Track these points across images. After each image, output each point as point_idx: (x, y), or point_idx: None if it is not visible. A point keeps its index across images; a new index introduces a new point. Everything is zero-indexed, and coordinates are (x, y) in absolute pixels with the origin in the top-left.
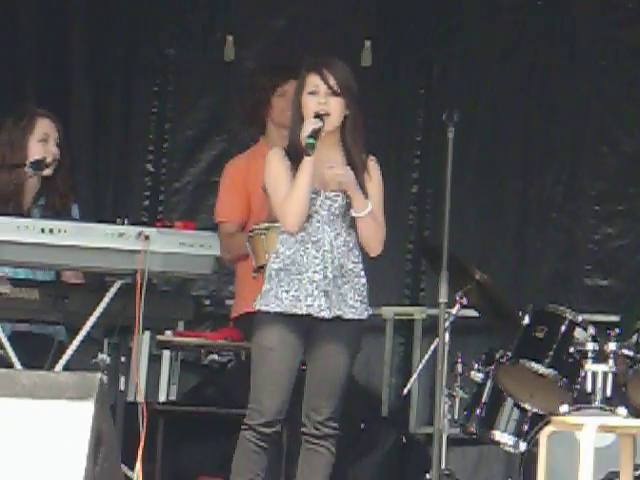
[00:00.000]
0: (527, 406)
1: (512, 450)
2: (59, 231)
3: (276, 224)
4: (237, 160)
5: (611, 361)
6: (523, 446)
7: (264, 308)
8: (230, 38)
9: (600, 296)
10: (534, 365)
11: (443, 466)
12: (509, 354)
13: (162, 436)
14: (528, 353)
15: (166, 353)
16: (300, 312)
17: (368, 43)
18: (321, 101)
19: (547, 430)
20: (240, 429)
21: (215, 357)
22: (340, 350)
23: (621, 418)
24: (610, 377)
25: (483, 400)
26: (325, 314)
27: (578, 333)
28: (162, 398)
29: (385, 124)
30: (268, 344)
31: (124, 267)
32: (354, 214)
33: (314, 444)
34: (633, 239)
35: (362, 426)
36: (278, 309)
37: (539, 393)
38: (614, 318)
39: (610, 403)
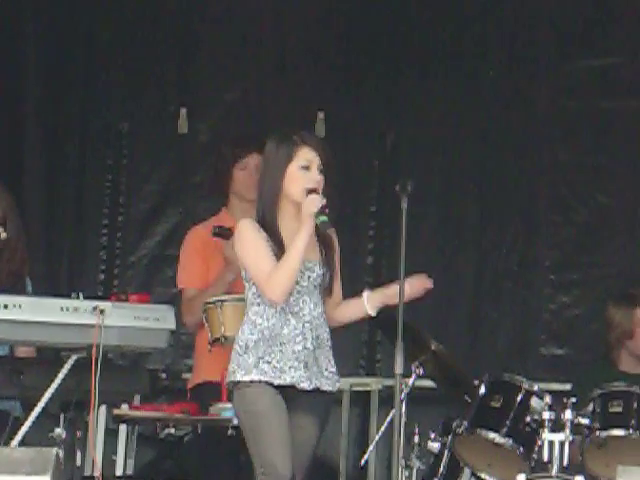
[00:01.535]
0: (485, 476)
1: None
2: (14, 306)
3: (230, 297)
4: (200, 228)
5: (568, 430)
6: None
7: (246, 378)
8: (184, 111)
9: (556, 365)
10: (491, 435)
11: None
12: (466, 424)
13: None
14: (485, 423)
15: (122, 427)
16: (284, 383)
17: (321, 114)
18: (318, 178)
19: None
20: None
21: (172, 431)
22: (314, 422)
23: None
24: (567, 446)
25: (440, 470)
26: (305, 385)
27: (534, 402)
28: (119, 472)
29: (339, 195)
30: (263, 408)
31: (79, 341)
32: (371, 312)
33: None
34: (588, 308)
35: None
36: (263, 378)
37: (497, 463)
38: (570, 387)
39: (567, 472)
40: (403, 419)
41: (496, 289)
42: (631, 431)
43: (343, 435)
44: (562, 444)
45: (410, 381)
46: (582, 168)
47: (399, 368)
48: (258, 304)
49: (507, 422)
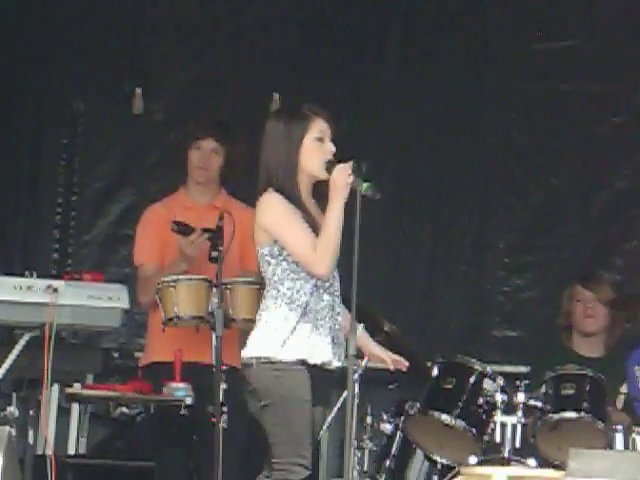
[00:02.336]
0: (437, 457)
1: None
2: None
3: (184, 277)
4: (157, 206)
5: (520, 412)
6: None
7: (284, 356)
8: (139, 91)
9: (509, 347)
10: (443, 416)
11: None
12: (418, 405)
13: None
14: (437, 404)
15: (75, 406)
16: (318, 362)
17: (276, 95)
18: (333, 149)
19: None
20: None
21: (124, 410)
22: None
23: (530, 469)
24: (519, 428)
25: (393, 452)
26: (335, 363)
27: (487, 384)
28: (71, 451)
29: None
30: (304, 396)
31: (32, 320)
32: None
33: None
34: (541, 291)
35: None
36: (300, 356)
37: (449, 444)
38: (523, 369)
39: (519, 454)
40: (356, 400)
41: (450, 271)
42: (583, 414)
43: None
44: (514, 426)
45: (363, 362)
46: (537, 151)
47: (352, 350)
48: (292, 280)
49: (459, 404)
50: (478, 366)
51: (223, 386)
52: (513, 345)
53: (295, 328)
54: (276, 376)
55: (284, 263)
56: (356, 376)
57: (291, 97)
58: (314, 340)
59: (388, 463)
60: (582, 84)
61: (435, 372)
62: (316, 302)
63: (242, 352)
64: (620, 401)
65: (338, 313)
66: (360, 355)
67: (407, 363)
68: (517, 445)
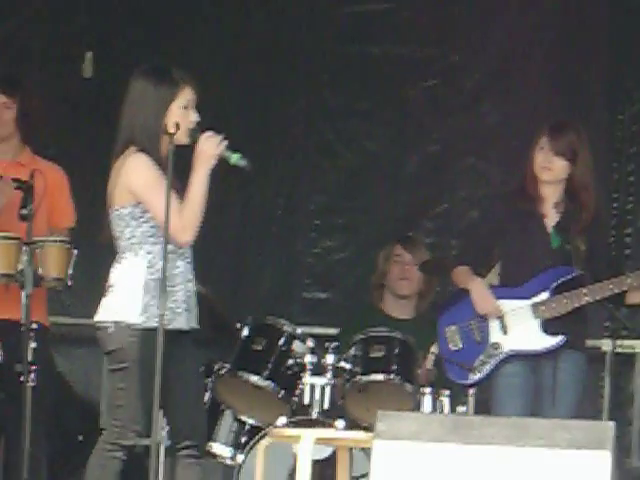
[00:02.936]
0: (246, 418)
1: (230, 462)
2: None
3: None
4: None
5: (329, 374)
6: (240, 458)
7: (140, 320)
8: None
9: (319, 309)
10: (252, 377)
11: (160, 479)
12: (227, 366)
13: None
14: (246, 365)
15: None
16: (174, 328)
17: (89, 54)
18: (197, 119)
19: (264, 442)
20: None
21: None
22: (191, 364)
23: (338, 430)
24: (328, 389)
25: None
26: (186, 327)
27: (297, 346)
28: None
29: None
30: (154, 363)
31: None
32: None
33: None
34: (352, 252)
35: (80, 438)
36: (155, 323)
37: (258, 405)
38: (332, 331)
39: (328, 415)
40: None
41: (261, 232)
42: (392, 376)
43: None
44: (323, 388)
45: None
46: (349, 114)
47: (162, 309)
48: (153, 243)
49: (269, 365)
50: (288, 327)
51: (32, 344)
52: (323, 307)
53: (153, 294)
54: (132, 341)
55: (145, 225)
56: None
57: (104, 55)
58: (170, 306)
59: None
60: (393, 47)
61: (245, 333)
62: (171, 268)
63: (97, 315)
64: (430, 361)
65: (189, 280)
66: None
67: None
68: (326, 407)
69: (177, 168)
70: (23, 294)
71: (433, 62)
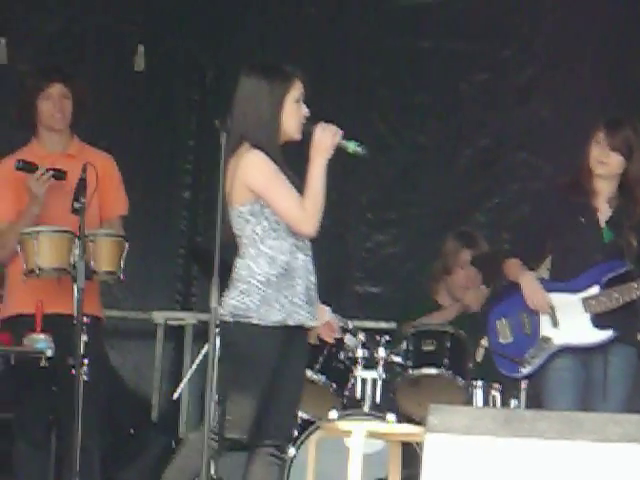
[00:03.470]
0: (298, 412)
1: None
2: None
3: (47, 228)
4: (8, 160)
5: (380, 368)
6: (292, 451)
7: (266, 316)
8: (3, 40)
9: (371, 303)
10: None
11: (212, 472)
12: None
13: None
14: None
15: None
16: (295, 323)
17: (141, 48)
18: (307, 112)
19: (316, 436)
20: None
21: None
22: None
23: (389, 424)
24: (379, 383)
25: None
26: (311, 323)
27: (348, 339)
28: None
29: (158, 129)
30: (271, 361)
31: None
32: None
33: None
34: (404, 247)
35: (131, 431)
36: (281, 318)
37: (310, 399)
38: (384, 325)
39: (379, 409)
40: (217, 354)
41: None
42: (443, 370)
43: (156, 369)
44: (374, 382)
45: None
46: (400, 107)
47: (214, 302)
48: (274, 238)
49: (320, 359)
50: (340, 321)
51: (84, 338)
52: (375, 301)
53: (276, 289)
54: (251, 337)
55: (265, 222)
56: (218, 329)
57: (156, 49)
58: (292, 301)
59: None
60: (444, 41)
61: None
62: (293, 262)
63: (221, 309)
64: (480, 354)
65: (311, 272)
66: None
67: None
68: (377, 400)
69: (289, 162)
70: (75, 288)
71: (485, 56)
